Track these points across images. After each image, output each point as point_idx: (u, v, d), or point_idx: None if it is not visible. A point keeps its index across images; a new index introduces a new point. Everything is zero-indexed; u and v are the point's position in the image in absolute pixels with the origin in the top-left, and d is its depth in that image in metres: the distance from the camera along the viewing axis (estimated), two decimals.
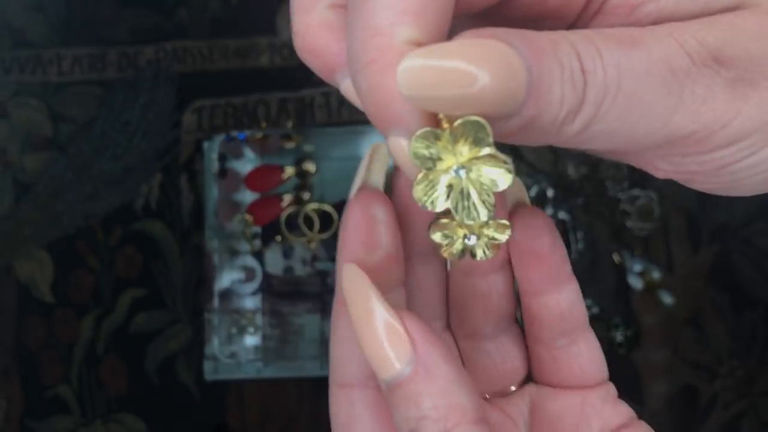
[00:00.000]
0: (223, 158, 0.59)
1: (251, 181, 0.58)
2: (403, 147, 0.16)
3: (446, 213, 0.18)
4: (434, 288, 0.23)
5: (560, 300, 0.22)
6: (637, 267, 0.57)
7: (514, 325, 0.24)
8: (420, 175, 0.16)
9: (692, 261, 0.57)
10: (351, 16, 0.16)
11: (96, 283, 0.59)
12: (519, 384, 0.24)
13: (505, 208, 0.22)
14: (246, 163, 0.59)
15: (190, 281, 0.59)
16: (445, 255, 0.20)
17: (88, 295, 0.59)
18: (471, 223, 0.17)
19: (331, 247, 0.59)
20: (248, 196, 0.59)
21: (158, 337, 0.58)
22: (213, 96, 0.62)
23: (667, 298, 0.56)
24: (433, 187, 0.16)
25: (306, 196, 0.59)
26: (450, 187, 0.16)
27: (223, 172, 0.59)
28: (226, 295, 0.57)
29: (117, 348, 0.59)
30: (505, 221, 0.19)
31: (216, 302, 0.57)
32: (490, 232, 0.19)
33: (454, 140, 0.15)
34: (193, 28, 0.63)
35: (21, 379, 0.59)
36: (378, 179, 0.21)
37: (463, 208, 0.16)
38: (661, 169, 0.19)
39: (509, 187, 0.17)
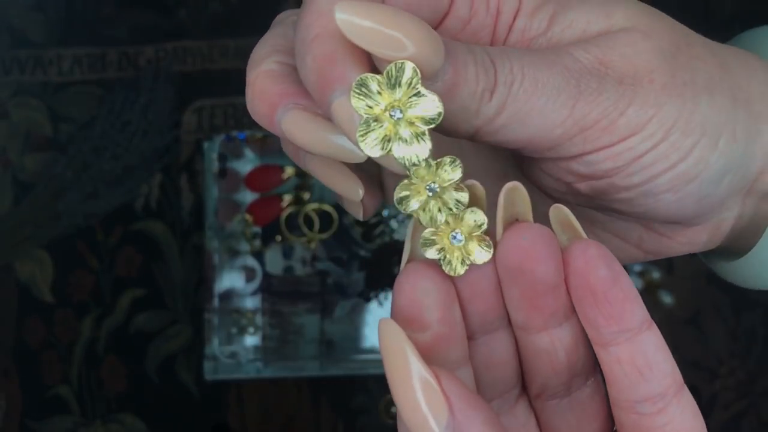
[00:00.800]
0: (223, 158, 0.59)
1: (251, 181, 0.58)
2: (347, 107, 0.17)
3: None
4: (505, 359, 0.21)
5: (635, 353, 0.19)
6: (637, 267, 0.57)
7: (593, 379, 0.22)
8: (361, 124, 0.17)
9: (692, 261, 0.57)
10: (300, 13, 0.18)
11: (96, 283, 0.59)
12: None
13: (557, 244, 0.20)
14: (246, 163, 0.59)
15: (190, 281, 0.59)
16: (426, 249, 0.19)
17: (88, 295, 0.59)
18: (414, 166, 0.18)
19: (331, 247, 0.59)
20: (248, 196, 0.59)
21: (158, 337, 0.58)
22: (213, 96, 0.62)
23: (667, 298, 0.56)
24: (373, 135, 0.17)
25: (306, 196, 0.59)
26: (387, 136, 0.17)
27: (223, 172, 0.59)
28: (226, 295, 0.57)
29: (117, 348, 0.59)
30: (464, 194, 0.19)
31: (216, 302, 0.57)
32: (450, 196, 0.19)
33: (388, 83, 0.17)
34: (193, 28, 0.63)
35: (21, 379, 0.59)
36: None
37: (403, 151, 0.17)
38: (580, 173, 0.20)
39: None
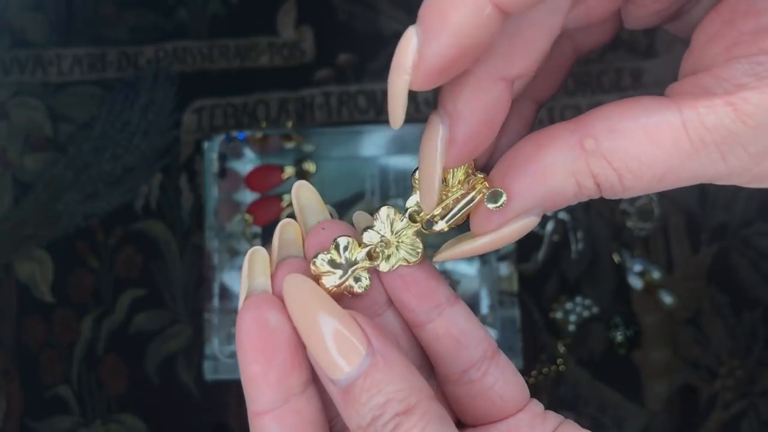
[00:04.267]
0: (223, 158, 0.59)
1: (251, 181, 0.58)
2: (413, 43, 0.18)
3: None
4: None
5: (449, 324, 0.22)
6: (637, 267, 0.57)
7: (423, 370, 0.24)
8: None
9: (692, 261, 0.58)
10: None
11: (96, 283, 0.59)
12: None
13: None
14: (246, 163, 0.59)
15: (190, 281, 0.59)
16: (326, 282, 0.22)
17: (88, 295, 0.59)
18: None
19: None
20: (248, 196, 0.59)
21: (158, 337, 0.58)
22: (213, 96, 0.62)
23: (667, 298, 0.56)
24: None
25: None
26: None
27: (223, 172, 0.59)
28: (226, 295, 0.57)
29: (117, 348, 0.59)
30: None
31: (216, 302, 0.57)
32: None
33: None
34: (193, 28, 0.63)
35: (21, 379, 0.59)
36: (262, 281, 0.22)
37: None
38: None
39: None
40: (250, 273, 0.22)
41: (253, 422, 0.21)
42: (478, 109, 0.19)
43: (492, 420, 0.23)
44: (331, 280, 0.22)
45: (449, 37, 0.17)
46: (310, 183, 0.59)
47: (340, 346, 0.19)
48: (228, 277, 0.58)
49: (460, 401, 0.23)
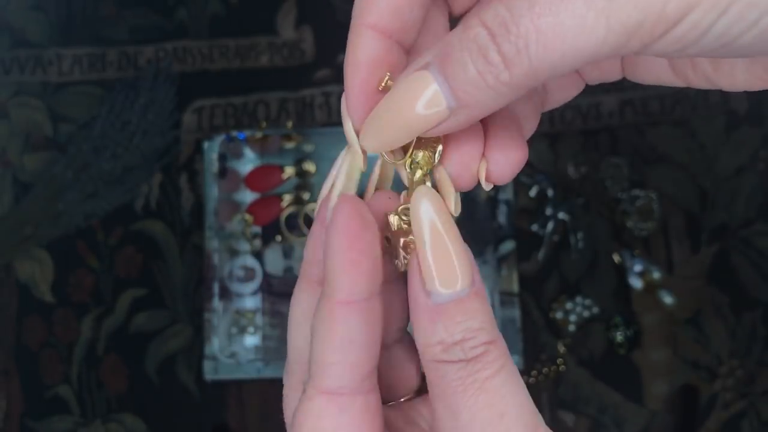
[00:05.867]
0: (223, 158, 0.59)
1: (251, 181, 0.58)
2: (350, 129, 0.22)
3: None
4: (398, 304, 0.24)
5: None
6: (637, 267, 0.57)
7: (407, 336, 0.24)
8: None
9: (692, 261, 0.57)
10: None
11: (96, 283, 0.59)
12: (414, 393, 0.24)
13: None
14: (246, 163, 0.59)
15: (190, 281, 0.59)
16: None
17: (88, 295, 0.59)
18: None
19: None
20: (248, 196, 0.59)
21: (158, 337, 0.58)
22: (213, 96, 0.62)
23: (667, 298, 0.56)
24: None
25: (306, 196, 0.59)
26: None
27: (223, 172, 0.59)
28: (226, 295, 0.57)
29: (117, 348, 0.59)
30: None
31: (216, 302, 0.57)
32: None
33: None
34: (193, 28, 0.63)
35: (21, 379, 0.59)
36: (352, 187, 0.23)
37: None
38: (664, 56, 0.19)
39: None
40: (349, 176, 0.23)
41: (333, 311, 0.20)
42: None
43: None
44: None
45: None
46: (310, 183, 0.59)
47: (466, 263, 0.21)
48: (228, 277, 0.58)
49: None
